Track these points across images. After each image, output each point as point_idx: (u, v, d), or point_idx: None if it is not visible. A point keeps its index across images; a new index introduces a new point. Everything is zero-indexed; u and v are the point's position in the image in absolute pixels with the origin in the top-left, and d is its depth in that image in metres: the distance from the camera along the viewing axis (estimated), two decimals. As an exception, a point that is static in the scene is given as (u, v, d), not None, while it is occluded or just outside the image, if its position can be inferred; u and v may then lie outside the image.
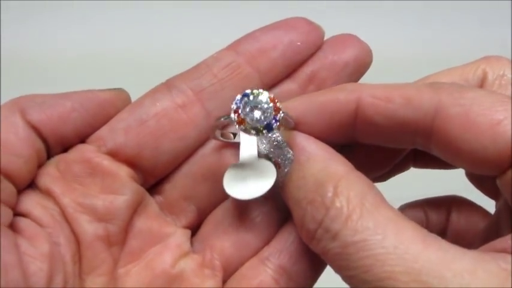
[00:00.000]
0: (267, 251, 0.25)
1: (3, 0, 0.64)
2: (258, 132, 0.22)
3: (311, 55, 0.26)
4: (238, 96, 0.22)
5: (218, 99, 0.25)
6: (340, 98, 0.23)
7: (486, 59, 0.25)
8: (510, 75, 0.24)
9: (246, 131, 0.22)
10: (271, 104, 0.22)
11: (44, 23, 0.65)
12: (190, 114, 0.25)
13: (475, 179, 0.26)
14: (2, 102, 0.23)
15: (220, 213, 0.26)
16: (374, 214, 0.20)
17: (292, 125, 0.24)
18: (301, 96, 0.24)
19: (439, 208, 0.28)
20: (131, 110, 0.25)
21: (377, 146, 0.24)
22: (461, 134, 0.21)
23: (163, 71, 0.26)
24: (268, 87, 0.26)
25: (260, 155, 0.25)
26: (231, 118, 0.22)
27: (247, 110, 0.22)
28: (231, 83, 0.25)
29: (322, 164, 0.22)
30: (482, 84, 0.24)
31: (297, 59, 0.26)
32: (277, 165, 0.23)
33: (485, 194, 0.26)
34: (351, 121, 0.23)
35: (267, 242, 0.25)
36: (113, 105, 0.25)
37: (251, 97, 0.22)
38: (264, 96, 0.22)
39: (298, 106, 0.24)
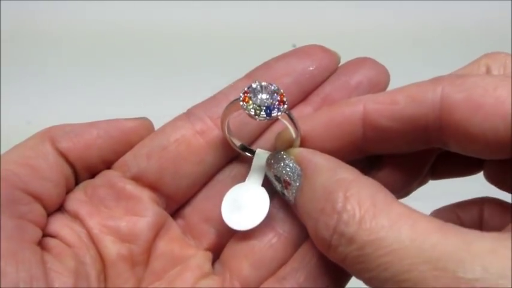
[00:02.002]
0: (284, 271, 0.25)
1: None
2: (256, 112, 0.23)
3: (325, 79, 0.27)
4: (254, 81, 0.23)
5: (234, 125, 0.26)
6: (345, 110, 0.24)
7: (486, 55, 0.25)
8: None
9: (248, 109, 0.23)
10: (278, 97, 0.23)
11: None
12: (208, 139, 0.26)
13: (495, 179, 0.26)
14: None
15: (239, 235, 0.26)
16: (387, 212, 0.20)
17: (297, 134, 0.24)
18: (307, 115, 0.25)
19: (471, 210, 0.27)
20: (153, 137, 0.26)
21: (400, 164, 0.25)
22: (469, 119, 0.21)
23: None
24: None
25: (269, 179, 0.26)
26: (239, 97, 0.23)
27: (256, 91, 0.23)
28: None
29: (329, 173, 0.22)
30: None
31: (310, 84, 0.27)
32: (286, 184, 0.24)
33: (510, 192, 0.25)
34: (359, 132, 0.23)
35: (285, 262, 0.25)
36: (136, 133, 0.26)
37: (263, 83, 0.23)
38: (274, 87, 0.23)
39: (305, 124, 0.24)
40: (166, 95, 0.60)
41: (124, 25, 0.66)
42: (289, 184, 0.24)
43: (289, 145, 0.25)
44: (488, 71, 0.24)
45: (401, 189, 0.26)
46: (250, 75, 0.27)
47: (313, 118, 0.25)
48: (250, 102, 0.23)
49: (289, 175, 0.24)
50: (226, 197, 0.26)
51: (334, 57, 0.27)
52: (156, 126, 0.27)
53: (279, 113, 0.23)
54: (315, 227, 0.22)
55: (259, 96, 0.23)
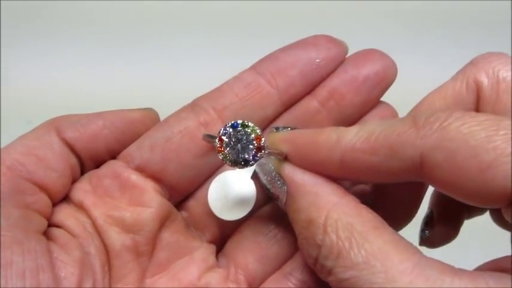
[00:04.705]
0: (289, 266, 0.25)
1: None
2: (234, 164, 0.23)
3: (332, 71, 0.27)
4: (228, 124, 0.23)
5: (238, 117, 0.26)
6: (322, 149, 0.22)
7: (473, 64, 0.24)
8: (507, 73, 0.22)
9: (225, 161, 0.23)
10: (254, 142, 0.23)
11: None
12: (211, 131, 0.26)
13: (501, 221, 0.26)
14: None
15: (243, 229, 0.27)
16: (363, 246, 0.20)
17: (283, 156, 0.24)
18: (290, 133, 0.24)
19: None
20: (158, 128, 0.26)
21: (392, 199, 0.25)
22: (451, 181, 0.19)
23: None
24: (288, 105, 0.27)
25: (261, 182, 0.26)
26: (215, 144, 0.23)
27: (230, 140, 0.23)
28: (251, 101, 0.26)
29: (310, 197, 0.22)
30: (479, 98, 0.23)
31: (316, 76, 0.26)
32: (275, 197, 0.24)
33: None
34: (338, 168, 0.22)
35: (290, 257, 0.26)
36: (142, 124, 0.26)
37: (238, 129, 0.23)
38: (250, 131, 0.23)
39: (287, 143, 0.24)
40: (165, 85, 0.59)
41: (127, 8, 0.65)
42: (278, 197, 0.24)
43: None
44: (479, 89, 0.23)
45: (399, 225, 0.26)
46: (255, 67, 0.27)
47: (294, 142, 0.24)
48: (226, 154, 0.23)
49: (276, 189, 0.24)
50: (214, 182, 0.26)
51: (342, 47, 0.27)
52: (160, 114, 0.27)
53: (257, 160, 0.23)
54: (301, 250, 0.23)
55: (233, 149, 0.23)
